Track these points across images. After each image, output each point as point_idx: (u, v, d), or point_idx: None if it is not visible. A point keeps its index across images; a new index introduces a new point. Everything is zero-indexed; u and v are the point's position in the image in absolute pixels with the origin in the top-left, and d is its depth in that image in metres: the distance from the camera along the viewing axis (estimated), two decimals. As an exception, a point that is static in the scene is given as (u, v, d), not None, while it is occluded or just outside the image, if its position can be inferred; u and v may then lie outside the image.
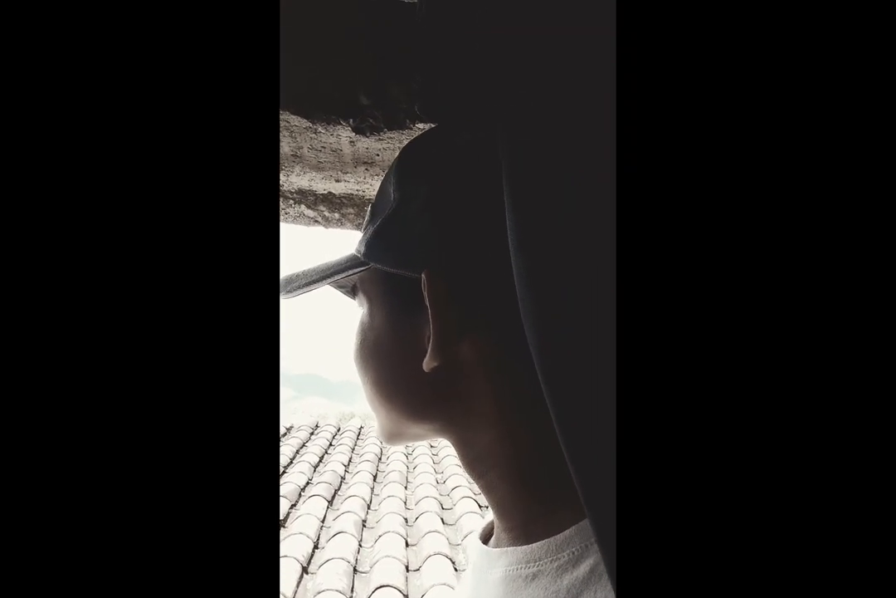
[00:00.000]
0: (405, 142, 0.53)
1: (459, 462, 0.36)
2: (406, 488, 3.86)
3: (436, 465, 4.47)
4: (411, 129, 0.52)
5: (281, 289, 0.39)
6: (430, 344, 0.30)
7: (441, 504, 3.44)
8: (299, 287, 0.38)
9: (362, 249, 0.34)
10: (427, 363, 0.31)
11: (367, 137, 0.51)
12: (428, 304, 0.29)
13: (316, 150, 0.54)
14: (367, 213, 0.37)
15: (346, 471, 4.23)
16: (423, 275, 0.29)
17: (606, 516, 0.20)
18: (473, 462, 0.34)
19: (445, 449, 4.68)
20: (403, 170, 0.34)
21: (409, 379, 0.33)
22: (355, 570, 2.52)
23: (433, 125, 0.51)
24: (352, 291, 0.40)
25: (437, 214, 0.31)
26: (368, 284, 0.36)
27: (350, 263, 0.34)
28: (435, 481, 3.97)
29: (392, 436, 0.37)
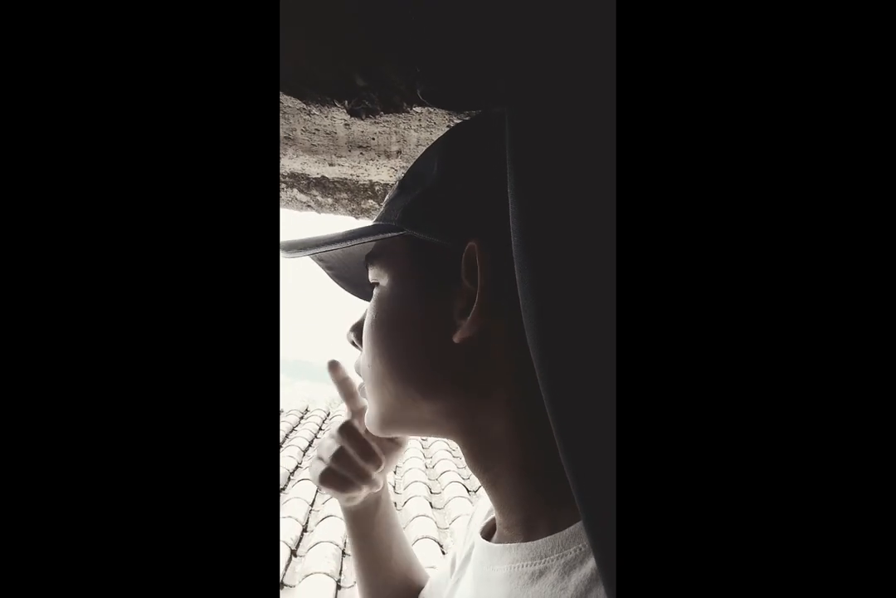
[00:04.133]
0: (401, 125, 0.52)
1: (463, 456, 0.35)
2: (395, 472, 3.89)
3: (425, 450, 4.51)
4: (408, 112, 0.50)
5: (290, 249, 0.38)
6: (473, 312, 0.30)
7: (430, 489, 3.48)
8: (316, 246, 0.37)
9: (397, 216, 0.33)
10: (464, 331, 0.30)
11: (363, 119, 0.50)
12: (479, 271, 0.29)
13: (309, 132, 0.52)
14: (394, 187, 0.37)
15: (335, 455, 4.25)
16: (473, 243, 0.29)
17: (603, 522, 0.19)
18: (480, 454, 0.33)
19: (435, 435, 4.72)
20: (453, 146, 0.34)
21: (434, 349, 0.32)
22: (344, 553, 2.55)
23: (431, 109, 0.50)
24: (365, 265, 0.38)
25: (487, 192, 0.30)
26: (391, 255, 0.35)
27: (377, 230, 0.33)
28: (424, 466, 4.01)
29: (389, 422, 0.35)
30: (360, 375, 0.38)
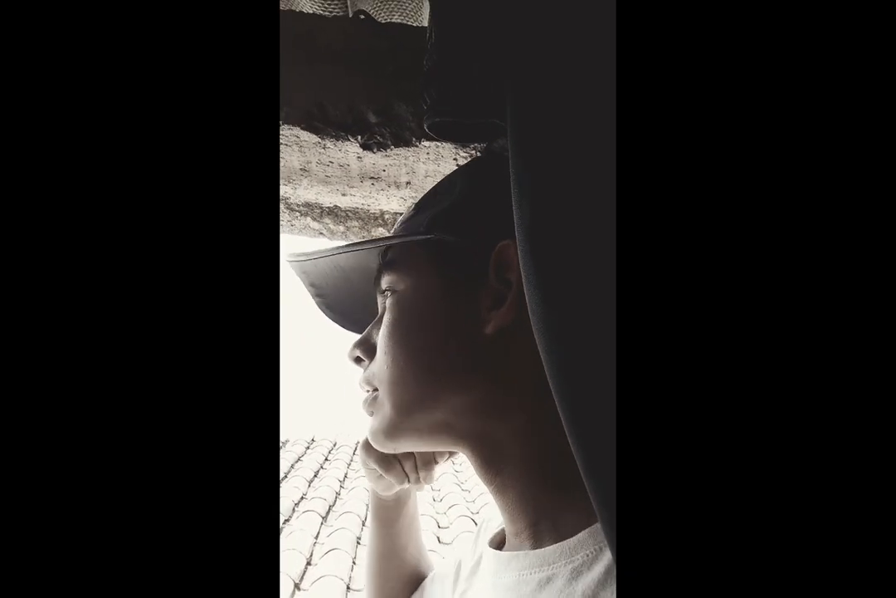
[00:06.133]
0: (411, 158, 0.55)
1: (472, 464, 0.35)
2: (402, 505, 3.79)
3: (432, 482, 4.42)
4: (417, 146, 0.53)
5: (316, 254, 0.40)
6: (508, 303, 0.32)
7: (437, 523, 3.39)
8: (340, 250, 0.38)
9: (424, 224, 0.36)
10: (498, 321, 0.32)
11: (374, 153, 0.53)
12: (516, 265, 0.31)
13: (324, 164, 0.55)
14: (410, 208, 0.40)
15: (341, 486, 4.18)
16: (508, 242, 0.32)
17: (615, 517, 0.19)
18: (490, 458, 0.34)
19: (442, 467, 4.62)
20: (473, 171, 0.37)
21: (466, 341, 0.33)
22: (349, 588, 2.48)
23: (439, 143, 0.53)
24: (377, 276, 0.39)
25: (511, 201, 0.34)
26: (412, 261, 0.36)
27: (405, 235, 0.36)
28: (431, 498, 3.92)
29: (399, 427, 0.35)
30: (368, 387, 0.38)
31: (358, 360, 0.41)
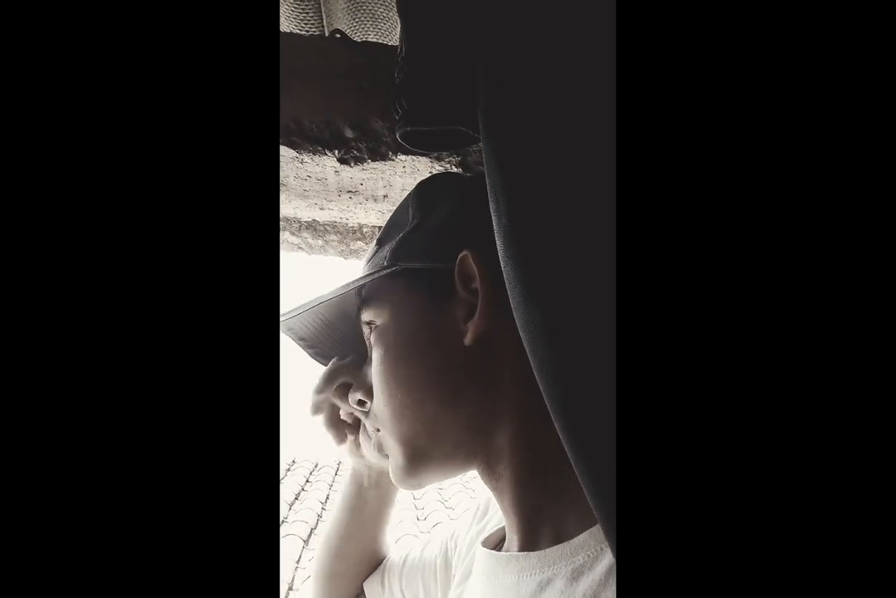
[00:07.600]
0: (387, 172, 0.56)
1: (477, 472, 0.36)
2: (385, 525, 3.72)
3: (416, 501, 4.36)
4: (393, 160, 0.54)
5: (291, 311, 0.41)
6: (478, 312, 0.32)
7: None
8: (315, 302, 0.39)
9: (387, 257, 0.36)
10: (474, 330, 0.32)
11: (352, 167, 0.54)
12: (477, 273, 0.32)
13: (301, 179, 0.56)
14: (374, 243, 0.40)
15: (323, 509, 4.08)
16: (466, 253, 0.33)
17: (614, 520, 0.19)
18: (492, 465, 0.34)
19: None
20: (423, 194, 0.38)
21: (448, 355, 0.34)
22: (331, 614, 2.40)
23: (414, 157, 0.54)
24: (357, 311, 0.40)
25: (464, 217, 0.35)
26: (387, 293, 0.37)
27: (371, 274, 0.37)
28: (416, 518, 3.86)
29: (417, 458, 0.35)
30: (376, 426, 0.39)
31: (361, 402, 0.42)
